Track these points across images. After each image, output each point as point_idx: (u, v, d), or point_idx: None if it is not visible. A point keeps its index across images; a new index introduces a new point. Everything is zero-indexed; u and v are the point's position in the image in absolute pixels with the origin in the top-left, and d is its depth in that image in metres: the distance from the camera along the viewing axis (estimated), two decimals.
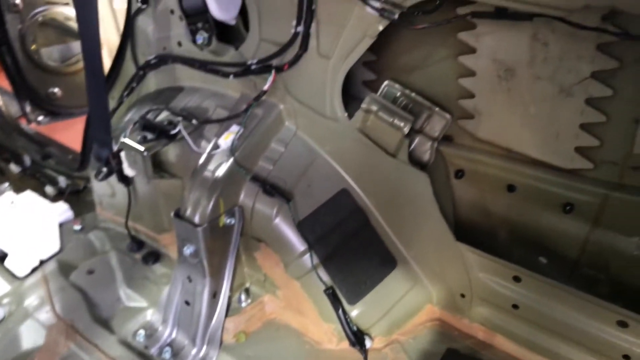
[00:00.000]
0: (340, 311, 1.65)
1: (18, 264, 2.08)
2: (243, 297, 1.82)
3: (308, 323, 1.73)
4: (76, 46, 3.48)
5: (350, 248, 1.73)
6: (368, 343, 1.67)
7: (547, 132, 1.53)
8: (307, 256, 1.65)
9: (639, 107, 1.35)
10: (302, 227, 1.67)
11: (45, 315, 1.85)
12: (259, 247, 1.74)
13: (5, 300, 1.93)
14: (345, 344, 1.68)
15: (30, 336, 1.77)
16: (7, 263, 2.11)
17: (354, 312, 1.68)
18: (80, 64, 3.44)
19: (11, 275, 2.08)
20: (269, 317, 1.80)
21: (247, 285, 1.86)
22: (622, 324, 1.38)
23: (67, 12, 3.36)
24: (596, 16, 1.21)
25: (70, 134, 3.21)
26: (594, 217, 1.54)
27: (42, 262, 2.12)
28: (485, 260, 1.60)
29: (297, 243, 1.66)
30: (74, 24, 3.40)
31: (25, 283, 2.01)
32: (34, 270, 2.08)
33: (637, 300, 1.47)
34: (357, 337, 1.66)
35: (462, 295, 1.71)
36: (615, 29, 1.24)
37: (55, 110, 3.38)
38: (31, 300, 1.93)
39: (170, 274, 1.87)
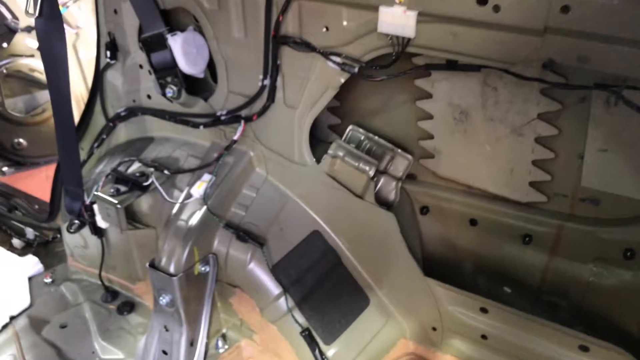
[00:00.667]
0: (317, 352, 1.68)
1: None
2: (220, 343, 1.83)
3: None
4: (41, 96, 3.50)
5: (324, 288, 1.77)
6: None
7: (502, 168, 1.64)
8: (282, 299, 1.69)
9: (582, 144, 1.48)
10: (276, 271, 1.71)
11: None
12: (234, 293, 1.77)
13: None
14: None
15: None
16: None
17: (330, 351, 1.72)
18: (46, 114, 3.45)
19: None
20: None
21: (224, 330, 1.87)
22: (584, 348, 1.46)
23: (32, 64, 3.38)
24: (537, 65, 1.33)
25: (33, 182, 3.19)
26: (551, 246, 1.64)
27: (12, 319, 2.08)
28: (453, 293, 1.67)
29: (272, 287, 1.70)
30: (39, 75, 3.43)
31: None
32: (4, 327, 2.03)
33: (596, 324, 1.57)
34: None
35: (434, 329, 1.77)
36: (555, 75, 1.37)
37: (20, 161, 3.36)
38: (4, 358, 1.89)
39: (146, 323, 1.88)
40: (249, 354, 1.82)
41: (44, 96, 3.42)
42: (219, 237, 1.75)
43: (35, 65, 3.35)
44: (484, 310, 1.62)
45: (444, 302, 1.71)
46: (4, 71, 3.27)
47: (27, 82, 3.41)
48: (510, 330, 1.60)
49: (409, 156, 1.78)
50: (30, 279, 2.27)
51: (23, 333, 1.97)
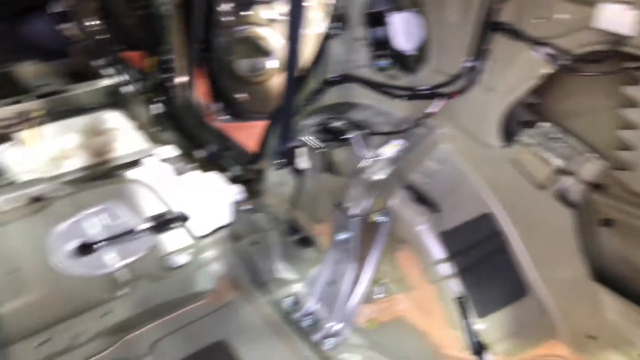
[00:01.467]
0: (467, 321, 1.78)
1: (198, 226, 2.55)
2: (379, 290, 2.03)
3: (434, 326, 1.89)
4: (263, 61, 4.04)
5: (485, 267, 1.86)
6: (488, 357, 1.78)
7: None
8: (445, 265, 1.82)
9: None
10: (444, 238, 1.85)
11: (217, 267, 2.24)
12: (401, 248, 1.95)
13: (188, 251, 2.39)
14: (466, 353, 1.80)
15: (204, 281, 2.19)
16: (189, 224, 2.59)
17: (480, 325, 1.80)
18: (264, 77, 3.98)
19: (191, 235, 2.55)
20: (399, 314, 1.99)
21: (385, 280, 2.06)
22: None
23: (262, 33, 3.92)
24: None
25: (242, 133, 3.74)
26: None
27: (217, 229, 2.56)
28: (621, 304, 1.63)
29: (437, 251, 1.84)
30: (264, 43, 3.97)
31: (204, 241, 2.46)
32: (212, 232, 2.52)
33: None
34: (479, 349, 1.77)
35: (590, 337, 1.73)
36: None
37: (238, 113, 3.94)
38: (208, 255, 2.36)
39: (320, 259, 2.16)
40: (402, 308, 1.98)
41: (265, 62, 3.95)
42: (398, 195, 1.93)
43: (265, 34, 3.88)
44: None
45: (609, 312, 1.67)
46: (240, 35, 3.86)
47: (254, 47, 3.97)
48: None
49: (602, 163, 1.75)
50: (234, 203, 2.75)
51: (224, 241, 2.42)
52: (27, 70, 4.20)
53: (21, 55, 4.17)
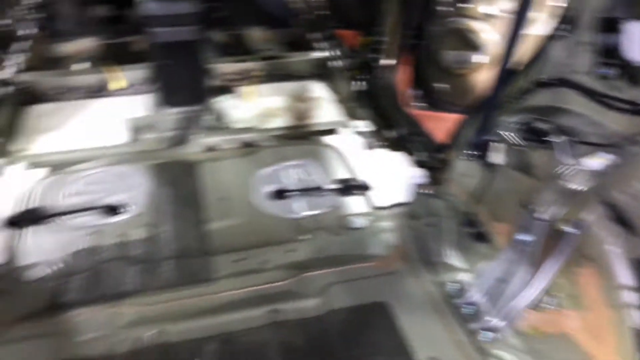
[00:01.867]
0: None
1: (379, 197, 2.74)
2: (550, 300, 1.96)
3: (604, 353, 1.78)
4: (469, 55, 4.01)
5: None
6: None
7: None
8: (631, 292, 1.70)
9: None
10: (636, 266, 1.72)
11: (390, 237, 2.40)
12: (584, 265, 1.86)
13: (366, 217, 2.59)
14: None
15: (376, 246, 2.38)
16: (370, 194, 2.79)
17: None
18: (468, 70, 3.96)
19: (370, 203, 2.74)
20: (566, 330, 1.91)
21: (559, 294, 1.99)
22: None
23: (476, 26, 3.88)
24: None
25: (432, 123, 3.79)
26: None
27: (395, 204, 2.72)
28: None
29: (626, 277, 1.72)
30: (475, 37, 3.93)
31: (383, 212, 2.64)
32: (390, 206, 2.68)
33: None
34: None
35: None
36: None
37: (434, 102, 4.01)
38: (384, 223, 2.53)
39: (492, 255, 2.16)
40: (571, 326, 1.89)
41: (473, 56, 3.92)
42: (595, 210, 1.84)
43: (478, 27, 3.83)
44: None
45: None
46: (450, 27, 3.88)
47: (464, 40, 3.95)
48: None
49: None
50: (416, 185, 2.86)
51: (400, 216, 2.56)
52: (255, 34, 4.77)
53: (252, 21, 4.76)
